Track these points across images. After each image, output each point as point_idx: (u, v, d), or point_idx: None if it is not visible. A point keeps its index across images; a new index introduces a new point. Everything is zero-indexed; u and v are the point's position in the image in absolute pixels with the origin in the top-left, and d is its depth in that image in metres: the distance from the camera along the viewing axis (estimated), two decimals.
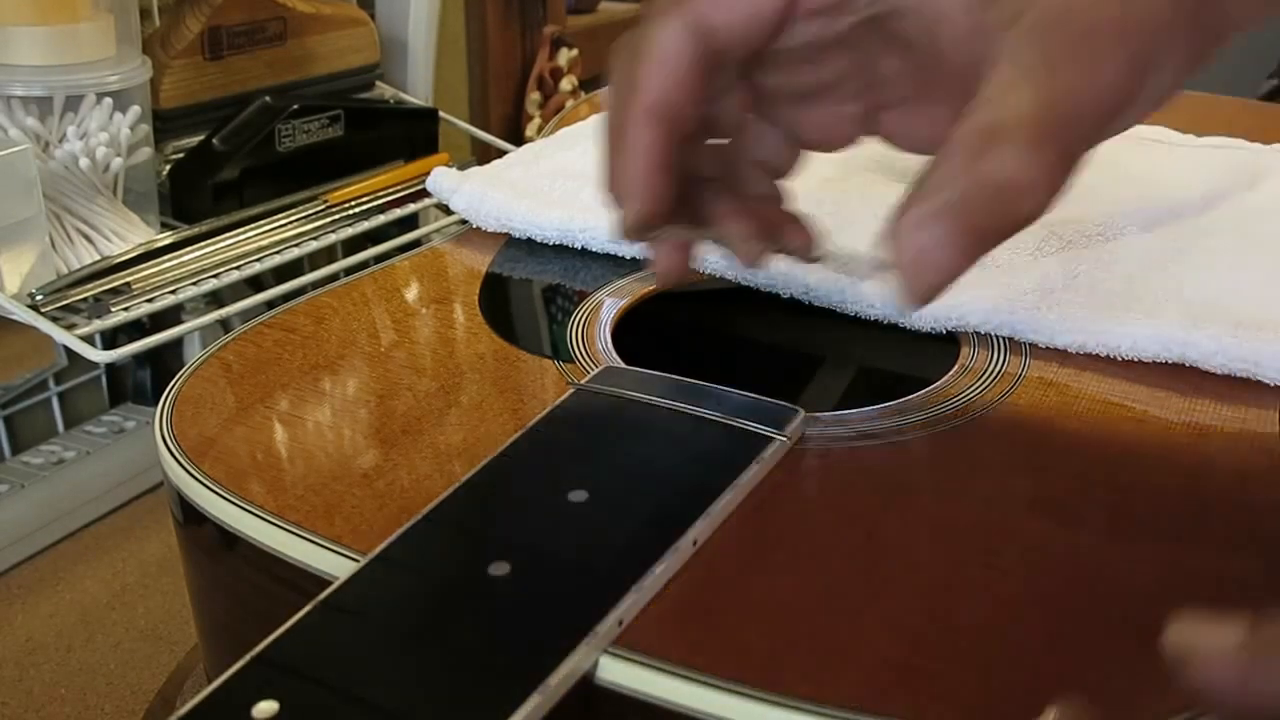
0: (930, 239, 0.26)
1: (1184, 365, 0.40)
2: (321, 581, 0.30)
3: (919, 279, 0.27)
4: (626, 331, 0.46)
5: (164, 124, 0.89)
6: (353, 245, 0.91)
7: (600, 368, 0.40)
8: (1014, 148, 0.25)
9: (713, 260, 0.48)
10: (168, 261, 0.77)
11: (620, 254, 0.50)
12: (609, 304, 0.46)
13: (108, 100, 0.78)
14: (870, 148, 0.36)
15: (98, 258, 0.76)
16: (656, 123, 0.31)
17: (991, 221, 0.26)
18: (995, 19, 0.28)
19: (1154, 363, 0.40)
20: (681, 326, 0.53)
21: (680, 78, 0.30)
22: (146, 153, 0.83)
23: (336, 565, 0.30)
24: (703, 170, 0.35)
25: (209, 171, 0.89)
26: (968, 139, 0.26)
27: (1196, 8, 0.28)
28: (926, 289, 0.27)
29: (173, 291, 0.76)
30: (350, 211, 0.90)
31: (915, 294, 0.27)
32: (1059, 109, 0.26)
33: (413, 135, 1.03)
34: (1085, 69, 0.26)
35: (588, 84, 1.49)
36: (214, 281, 0.78)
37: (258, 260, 0.82)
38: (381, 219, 0.91)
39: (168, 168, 0.90)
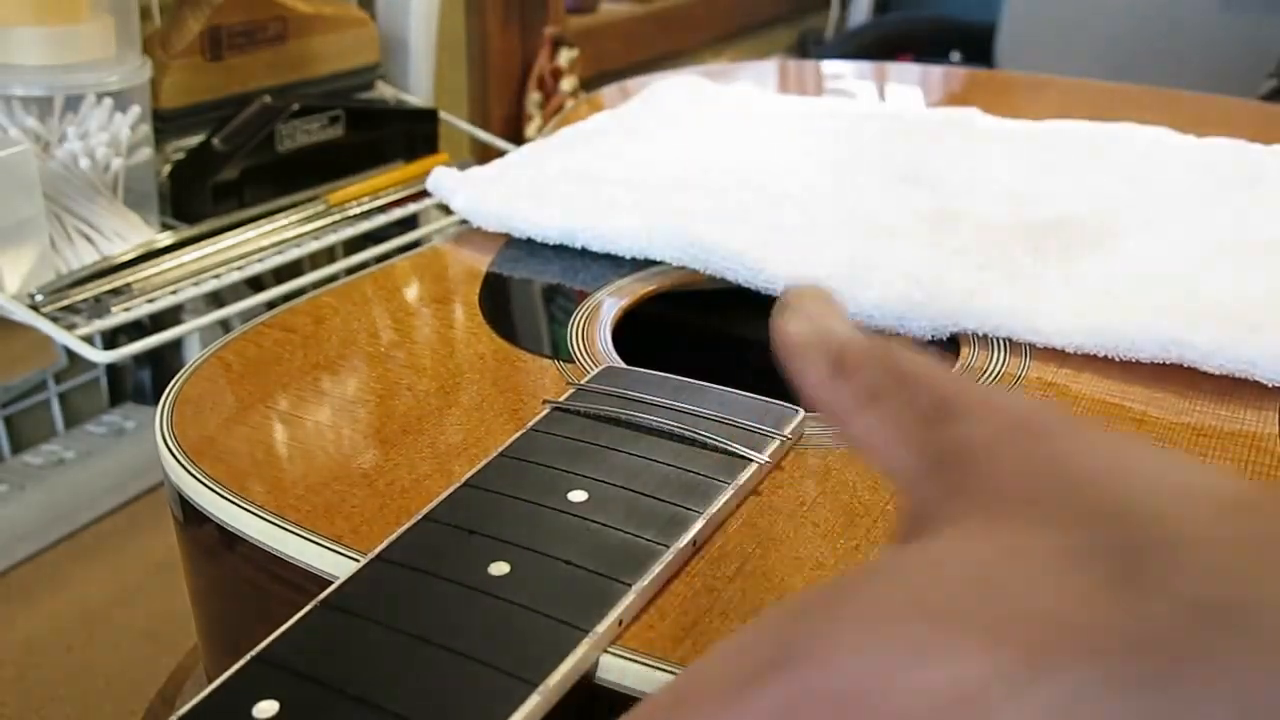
0: None
1: (1182, 365, 0.40)
2: (321, 581, 0.30)
3: None
4: (627, 331, 0.46)
5: (164, 124, 0.89)
6: (353, 245, 0.91)
7: (600, 368, 0.40)
8: None
9: (714, 260, 0.48)
10: (168, 261, 0.77)
11: (620, 254, 0.50)
12: (609, 304, 0.46)
13: (108, 100, 0.78)
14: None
15: (98, 258, 0.76)
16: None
17: None
18: None
19: (1153, 363, 0.40)
20: (681, 326, 0.54)
21: None
22: (146, 153, 0.83)
23: (336, 565, 0.30)
24: None
25: (209, 171, 0.89)
26: None
27: None
28: None
29: (173, 292, 0.76)
30: (350, 212, 0.89)
31: None
32: None
33: (413, 135, 1.03)
34: None
35: (588, 84, 1.49)
36: (214, 281, 0.78)
37: (258, 260, 0.82)
38: (382, 219, 0.91)
39: (168, 168, 0.90)
